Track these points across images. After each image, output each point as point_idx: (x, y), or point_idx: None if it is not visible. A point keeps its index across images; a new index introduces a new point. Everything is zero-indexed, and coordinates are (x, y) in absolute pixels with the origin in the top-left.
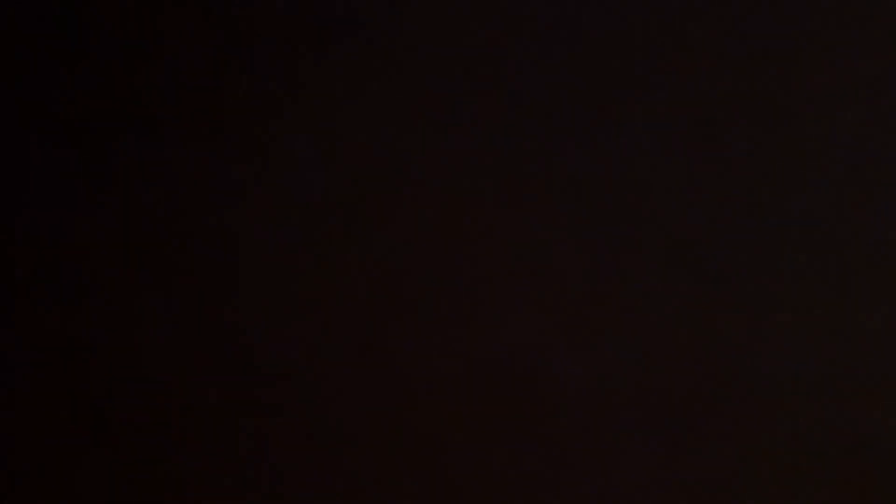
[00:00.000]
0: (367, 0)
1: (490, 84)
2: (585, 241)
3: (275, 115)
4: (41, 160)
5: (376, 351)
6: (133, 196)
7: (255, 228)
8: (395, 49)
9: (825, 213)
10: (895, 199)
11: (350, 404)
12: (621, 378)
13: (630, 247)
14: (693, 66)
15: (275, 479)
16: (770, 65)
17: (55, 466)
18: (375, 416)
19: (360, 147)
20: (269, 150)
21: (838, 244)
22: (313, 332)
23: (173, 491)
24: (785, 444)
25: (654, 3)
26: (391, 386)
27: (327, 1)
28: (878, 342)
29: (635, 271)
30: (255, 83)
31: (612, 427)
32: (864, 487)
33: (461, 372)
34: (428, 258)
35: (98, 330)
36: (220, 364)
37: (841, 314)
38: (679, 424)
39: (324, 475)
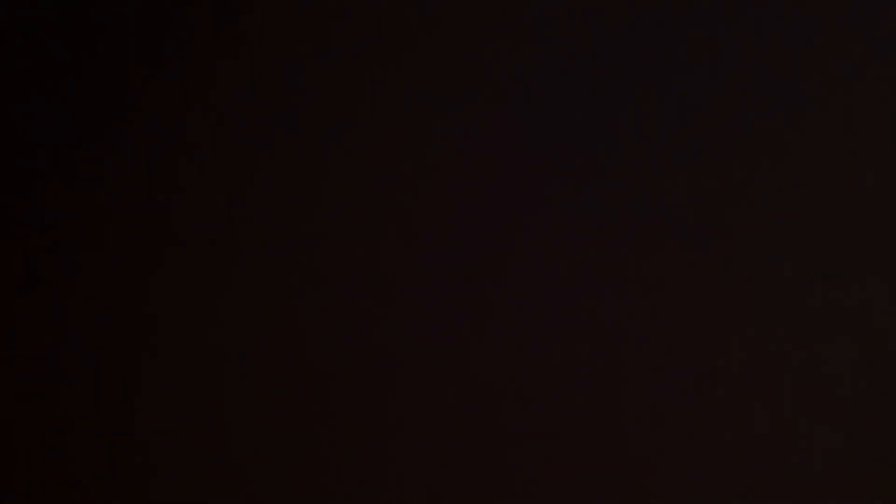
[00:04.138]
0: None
1: (492, 85)
2: (586, 240)
3: (275, 112)
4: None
5: (375, 350)
6: (132, 194)
7: (257, 227)
8: (400, 49)
9: (830, 215)
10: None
11: (348, 404)
12: (622, 378)
13: (630, 248)
14: (695, 68)
15: (278, 479)
16: (774, 68)
17: (58, 468)
18: (370, 414)
19: (362, 147)
20: (267, 148)
21: (840, 247)
22: (314, 330)
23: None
24: (785, 444)
25: (658, 6)
26: (387, 385)
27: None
28: (879, 344)
29: (636, 272)
30: (253, 83)
31: (617, 425)
32: (862, 487)
33: (463, 372)
34: (431, 257)
35: (103, 329)
36: (220, 364)
37: (841, 316)
38: (681, 423)
39: (330, 476)
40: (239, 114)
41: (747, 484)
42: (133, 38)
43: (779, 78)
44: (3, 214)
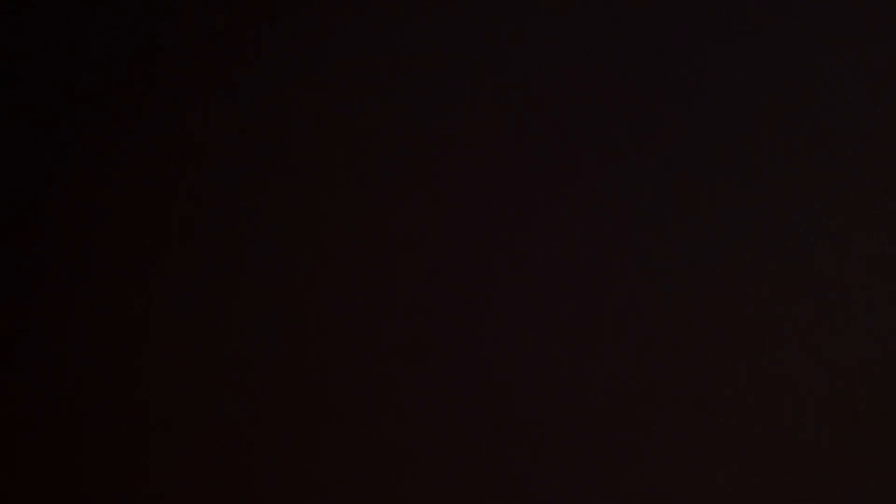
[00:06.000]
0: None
1: (494, 86)
2: (586, 243)
3: (282, 111)
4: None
5: (376, 351)
6: (132, 195)
7: (258, 226)
8: (406, 49)
9: (829, 224)
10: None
11: (343, 406)
12: (620, 380)
13: (630, 251)
14: (697, 74)
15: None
16: (776, 78)
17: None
18: (371, 416)
19: (364, 147)
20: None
21: (840, 254)
22: (315, 331)
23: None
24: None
25: (661, 9)
26: (388, 385)
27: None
28: (876, 347)
29: (634, 275)
30: (253, 81)
31: (614, 428)
32: (861, 487)
33: (461, 376)
34: (430, 259)
35: (107, 329)
36: (219, 367)
37: (839, 320)
38: (677, 426)
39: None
40: (241, 114)
41: (749, 486)
42: (133, 38)
43: (778, 77)
44: (4, 214)
